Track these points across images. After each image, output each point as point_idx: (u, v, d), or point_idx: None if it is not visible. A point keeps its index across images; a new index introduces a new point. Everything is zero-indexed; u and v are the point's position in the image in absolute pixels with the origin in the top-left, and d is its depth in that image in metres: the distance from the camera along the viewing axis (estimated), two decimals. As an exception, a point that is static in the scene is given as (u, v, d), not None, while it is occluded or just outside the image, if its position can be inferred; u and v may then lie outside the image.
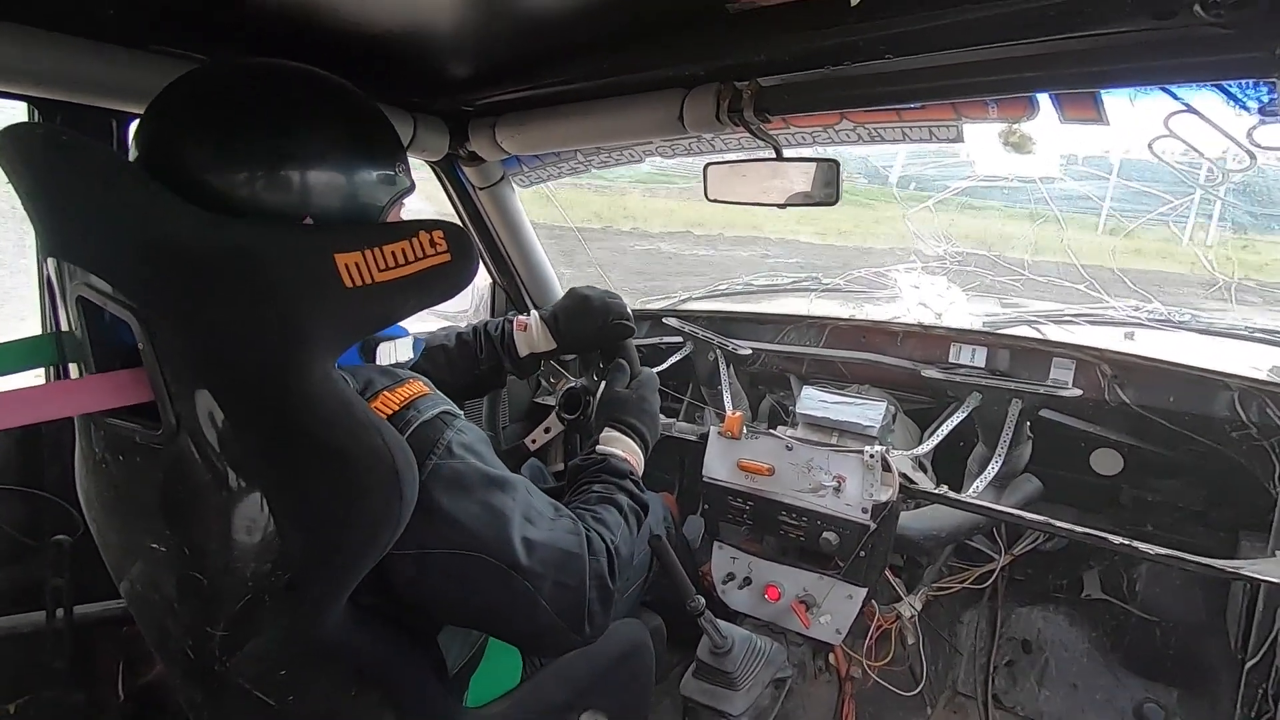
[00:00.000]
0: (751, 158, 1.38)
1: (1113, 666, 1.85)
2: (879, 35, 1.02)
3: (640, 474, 1.16)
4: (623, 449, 1.16)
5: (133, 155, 0.80)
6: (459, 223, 1.94)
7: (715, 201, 1.42)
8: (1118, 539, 1.21)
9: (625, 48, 1.18)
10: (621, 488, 1.09)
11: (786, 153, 1.31)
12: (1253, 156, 1.18)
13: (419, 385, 0.87)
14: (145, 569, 0.85)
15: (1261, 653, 1.20)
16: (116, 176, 0.73)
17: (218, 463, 0.74)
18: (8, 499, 1.25)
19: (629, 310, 1.38)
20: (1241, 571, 1.12)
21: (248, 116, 0.79)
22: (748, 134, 1.26)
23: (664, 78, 1.27)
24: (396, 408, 0.83)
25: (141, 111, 0.81)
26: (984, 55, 1.03)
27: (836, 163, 1.26)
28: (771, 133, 1.28)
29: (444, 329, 1.46)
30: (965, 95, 1.31)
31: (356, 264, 0.74)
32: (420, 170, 1.83)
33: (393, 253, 0.76)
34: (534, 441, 1.50)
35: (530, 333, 1.36)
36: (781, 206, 1.34)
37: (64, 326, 0.84)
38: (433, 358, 1.36)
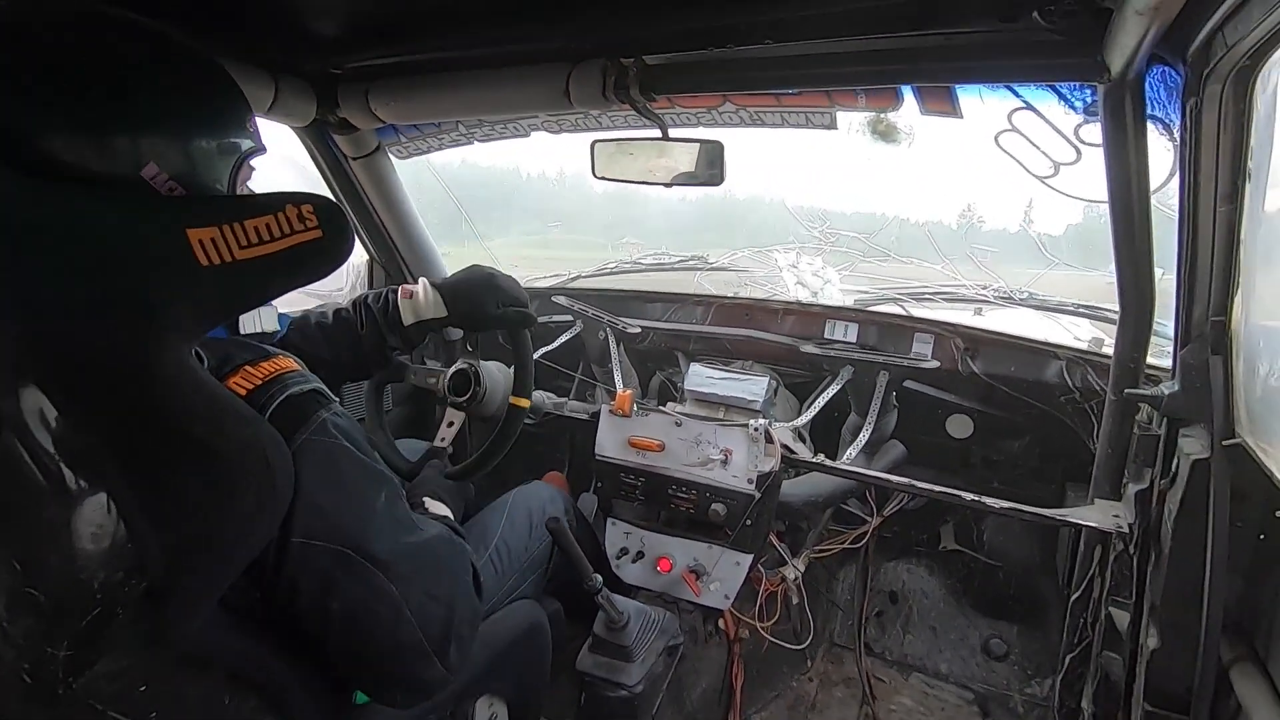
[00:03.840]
0: (638, 136, 1.38)
1: (964, 609, 2.06)
2: (759, 20, 1.05)
3: None
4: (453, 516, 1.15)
5: None
6: (330, 195, 1.81)
7: (602, 179, 1.41)
8: (969, 495, 1.35)
9: (509, 17, 1.14)
10: (465, 549, 1.01)
11: (673, 133, 1.32)
12: (1078, 151, 1.32)
13: (288, 361, 0.81)
14: (-37, 587, 0.74)
15: (1083, 587, 1.38)
16: None
17: (52, 464, 0.65)
18: None
19: (528, 300, 1.34)
20: (1068, 519, 1.28)
21: (66, 70, 0.70)
22: (634, 112, 1.26)
23: (549, 50, 1.25)
24: (259, 382, 0.77)
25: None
26: (854, 47, 1.09)
27: (720, 144, 1.29)
28: (657, 112, 1.29)
29: (320, 306, 1.36)
30: (836, 84, 1.38)
31: (213, 240, 0.67)
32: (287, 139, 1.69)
33: (255, 228, 0.69)
34: (444, 440, 1.43)
35: (417, 299, 1.28)
36: (668, 185, 1.35)
37: None
38: (308, 335, 1.26)
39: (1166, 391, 1.09)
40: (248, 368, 0.78)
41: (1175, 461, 1.08)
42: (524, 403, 1.32)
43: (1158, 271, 1.18)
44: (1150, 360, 1.28)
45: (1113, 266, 1.20)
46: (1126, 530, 1.21)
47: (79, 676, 0.73)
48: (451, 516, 1.16)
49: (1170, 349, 1.12)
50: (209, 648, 0.80)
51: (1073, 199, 1.41)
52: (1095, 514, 1.27)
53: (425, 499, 1.18)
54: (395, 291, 1.29)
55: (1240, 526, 0.99)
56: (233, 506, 0.71)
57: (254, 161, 0.86)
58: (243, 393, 0.75)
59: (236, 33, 1.19)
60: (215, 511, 0.71)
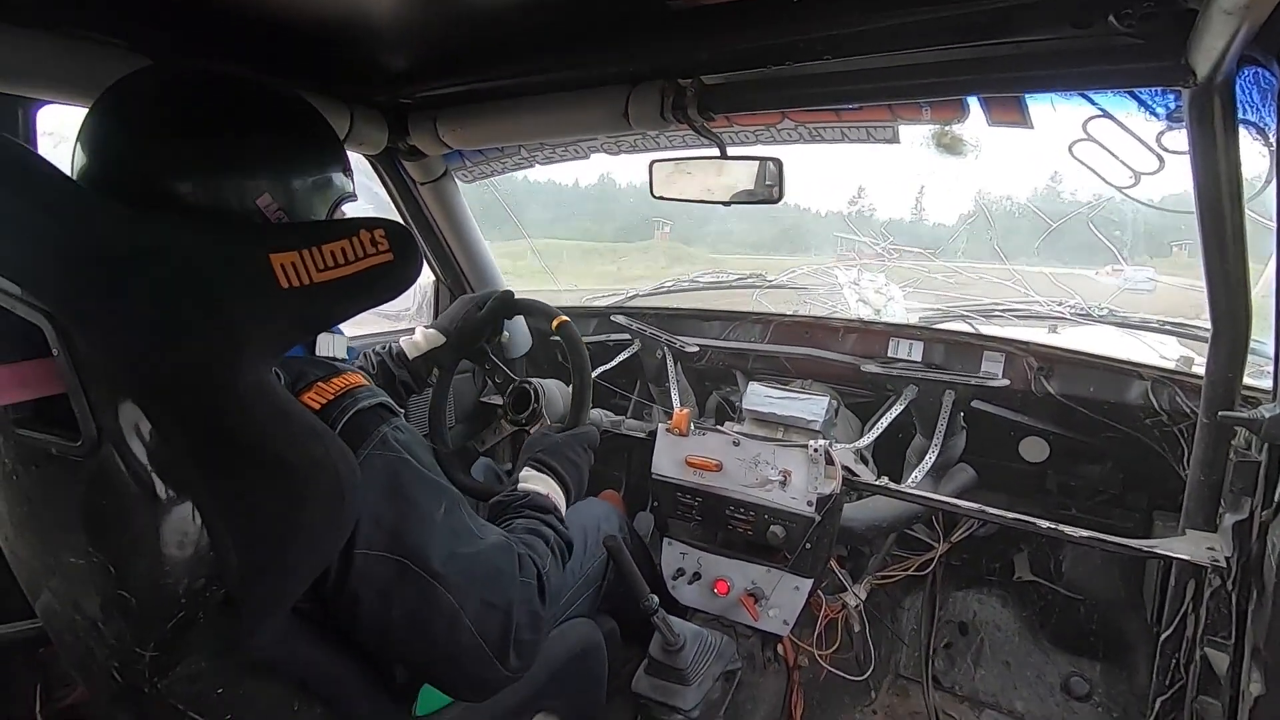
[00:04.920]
0: (696, 155, 1.39)
1: (1041, 644, 1.94)
2: (818, 36, 1.04)
3: (563, 514, 1.13)
4: (545, 488, 1.15)
5: (77, 158, 0.78)
6: (400, 219, 1.89)
7: (660, 199, 1.42)
8: (1045, 523, 1.28)
9: (568, 43, 1.17)
10: (546, 522, 1.06)
11: (730, 151, 1.32)
12: (1161, 160, 1.25)
13: (357, 377, 0.85)
14: (64, 586, 0.80)
15: (1174, 625, 1.28)
16: (24, 169, 0.68)
17: (145, 474, 0.70)
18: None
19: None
20: (1156, 550, 1.19)
21: (193, 122, 0.79)
22: (692, 132, 1.27)
23: (608, 74, 1.27)
24: (332, 397, 0.80)
25: (51, 98, 0.77)
26: (917, 59, 1.07)
27: (779, 161, 1.28)
28: (715, 131, 1.29)
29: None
30: (900, 97, 1.35)
31: (293, 264, 0.71)
32: (359, 164, 1.78)
33: (331, 252, 0.73)
34: (483, 442, 1.51)
35: (415, 338, 1.48)
36: (726, 204, 1.35)
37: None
38: None
39: (1267, 414, 1.01)
40: (320, 384, 0.81)
41: (1278, 491, 1.00)
42: (563, 318, 1.44)
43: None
44: (1247, 380, 1.19)
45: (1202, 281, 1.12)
46: (1223, 564, 1.12)
47: (163, 677, 0.77)
48: (554, 484, 1.17)
49: (1270, 369, 1.04)
50: (279, 656, 0.83)
51: (1156, 209, 1.34)
52: (1187, 546, 1.18)
53: (526, 467, 1.19)
54: (398, 340, 1.49)
55: (1356, 563, 0.91)
56: (303, 519, 0.74)
57: (345, 207, 0.93)
58: (316, 407, 0.78)
59: (316, 67, 1.27)
60: (286, 523, 0.74)
